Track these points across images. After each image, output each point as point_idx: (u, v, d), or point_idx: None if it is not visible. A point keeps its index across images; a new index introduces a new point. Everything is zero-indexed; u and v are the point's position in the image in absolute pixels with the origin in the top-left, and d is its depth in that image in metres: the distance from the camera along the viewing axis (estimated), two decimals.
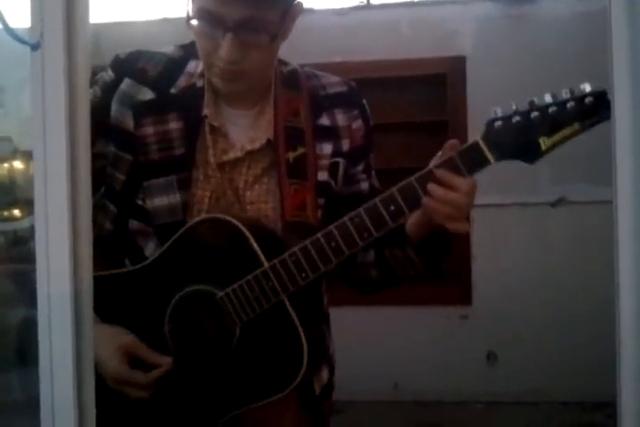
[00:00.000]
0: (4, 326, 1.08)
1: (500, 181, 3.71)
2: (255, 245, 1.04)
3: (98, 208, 1.14)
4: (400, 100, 3.74)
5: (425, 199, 0.99)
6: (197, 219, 1.08)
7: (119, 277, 1.14)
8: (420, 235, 1.07)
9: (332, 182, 1.16)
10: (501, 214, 3.82)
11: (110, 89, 1.14)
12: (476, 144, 0.97)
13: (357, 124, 1.18)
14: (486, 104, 1.05)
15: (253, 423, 1.11)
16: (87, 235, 0.89)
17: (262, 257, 1.04)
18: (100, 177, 1.14)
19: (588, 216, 3.67)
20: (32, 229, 0.87)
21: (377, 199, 1.01)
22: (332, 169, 1.16)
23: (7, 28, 0.80)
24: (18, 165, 1.31)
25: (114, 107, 1.13)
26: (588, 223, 3.67)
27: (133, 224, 1.14)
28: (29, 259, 0.86)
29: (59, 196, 0.87)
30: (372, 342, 3.75)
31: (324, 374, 1.20)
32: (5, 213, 1.22)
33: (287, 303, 1.03)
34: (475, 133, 0.99)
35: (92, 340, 0.88)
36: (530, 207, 3.79)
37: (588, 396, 3.49)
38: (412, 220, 1.06)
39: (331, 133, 1.16)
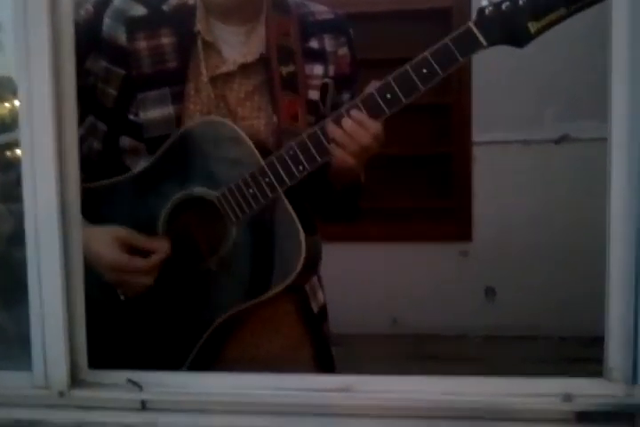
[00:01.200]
0: None
1: (503, 118, 3.70)
2: (252, 145, 1.07)
3: (87, 129, 1.17)
4: (402, 35, 3.66)
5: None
6: (193, 122, 1.11)
7: (112, 187, 1.16)
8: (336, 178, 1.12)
9: (321, 104, 1.19)
10: (504, 151, 3.80)
11: (103, 5, 1.15)
12: (469, 29, 0.98)
13: (344, 50, 1.21)
14: None
15: (257, 338, 1.18)
16: (72, 141, 0.90)
17: (259, 156, 1.06)
18: (90, 94, 1.15)
19: (591, 153, 3.64)
20: None
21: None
22: (322, 90, 1.19)
23: None
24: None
25: (106, 22, 1.14)
26: (591, 160, 3.65)
27: (124, 141, 1.15)
28: None
29: (43, 105, 0.87)
30: (372, 278, 3.80)
31: (320, 296, 1.25)
32: (8, 154, 1.23)
33: (285, 200, 1.05)
34: None
35: (80, 248, 0.89)
36: (533, 144, 3.76)
37: (587, 331, 3.54)
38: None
39: (320, 56, 1.19)
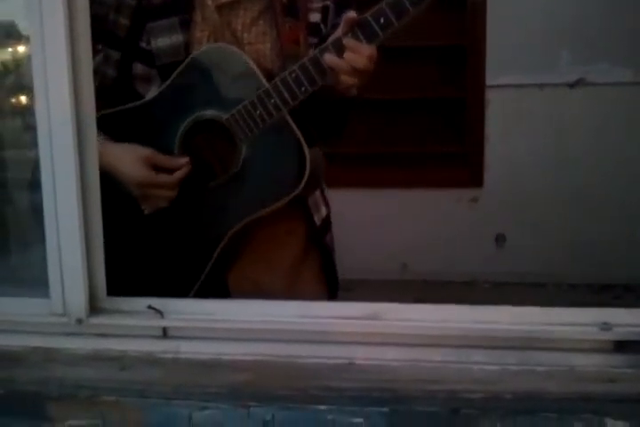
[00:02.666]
0: None
1: (518, 60, 3.59)
2: (257, 69, 1.12)
3: (101, 58, 1.20)
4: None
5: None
6: (202, 48, 1.14)
7: (128, 113, 1.20)
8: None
9: (322, 26, 1.22)
10: (518, 95, 3.71)
11: None
12: None
13: None
14: None
15: (266, 251, 1.24)
16: (86, 57, 0.85)
17: (264, 79, 1.11)
18: (102, 24, 1.17)
19: (606, 97, 3.57)
20: None
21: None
22: (323, 12, 1.21)
23: None
24: (22, 49, 1.36)
25: None
26: (606, 104, 3.57)
27: (137, 68, 1.19)
28: None
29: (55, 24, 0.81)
30: (382, 224, 3.76)
31: (323, 210, 1.32)
32: (12, 99, 1.28)
33: (289, 119, 1.11)
34: None
35: (97, 169, 0.86)
36: (548, 88, 3.66)
37: (596, 278, 3.53)
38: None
39: None
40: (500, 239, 3.91)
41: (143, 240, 1.22)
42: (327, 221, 1.32)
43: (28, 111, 1.12)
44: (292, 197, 1.12)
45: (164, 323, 0.93)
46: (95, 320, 0.94)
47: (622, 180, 3.53)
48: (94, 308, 0.95)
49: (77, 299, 0.93)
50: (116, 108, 1.19)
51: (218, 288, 1.19)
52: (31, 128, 0.93)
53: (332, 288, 1.32)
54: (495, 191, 3.78)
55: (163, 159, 1.16)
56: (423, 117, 3.80)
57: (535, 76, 3.64)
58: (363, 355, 0.89)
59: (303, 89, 1.08)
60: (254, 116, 1.11)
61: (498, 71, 3.66)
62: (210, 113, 1.15)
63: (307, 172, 1.10)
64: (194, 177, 1.17)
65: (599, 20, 3.46)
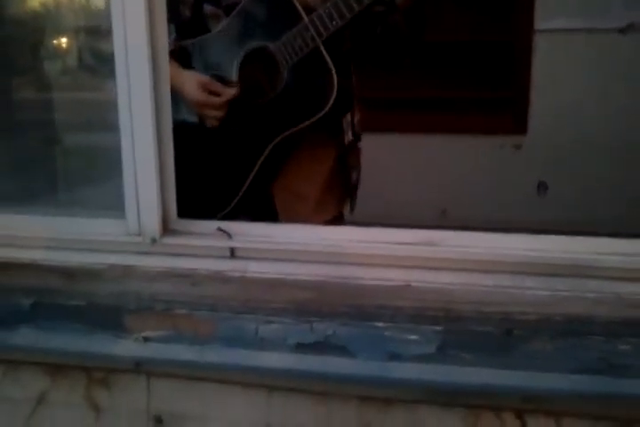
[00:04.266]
0: None
1: (568, 5, 3.49)
2: (299, 7, 1.30)
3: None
4: None
5: None
6: None
7: (197, 44, 1.41)
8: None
9: None
10: (567, 40, 3.61)
11: None
12: None
13: None
14: None
15: (305, 165, 1.43)
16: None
17: (304, 14, 1.30)
18: None
19: None
20: None
21: None
22: None
23: None
24: None
25: None
26: None
27: (207, 8, 1.39)
28: None
29: None
30: (422, 170, 3.76)
31: (349, 133, 1.47)
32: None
33: (323, 50, 1.30)
34: None
35: (168, 92, 0.91)
36: (597, 33, 3.56)
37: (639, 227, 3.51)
38: None
39: None
40: (541, 187, 3.88)
41: (203, 155, 1.42)
42: (352, 145, 1.49)
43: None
44: (321, 116, 1.31)
45: (232, 244, 0.99)
46: (168, 240, 1.00)
47: None
48: (167, 229, 1.01)
49: (151, 220, 1.00)
50: (189, 40, 1.41)
51: (263, 198, 1.41)
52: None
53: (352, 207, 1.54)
54: (539, 139, 3.74)
55: (215, 85, 1.37)
56: (469, 62, 3.74)
57: (585, 20, 3.54)
58: (419, 278, 0.93)
59: (334, 22, 1.26)
60: (295, 46, 1.30)
61: (547, 15, 3.57)
62: (260, 44, 1.35)
63: (333, 95, 1.30)
64: (245, 98, 1.37)
65: None
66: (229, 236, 0.99)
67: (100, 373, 1.03)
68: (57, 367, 1.04)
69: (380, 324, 0.90)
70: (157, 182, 0.98)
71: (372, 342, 0.91)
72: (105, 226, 1.03)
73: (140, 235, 1.01)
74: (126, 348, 0.99)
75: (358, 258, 0.97)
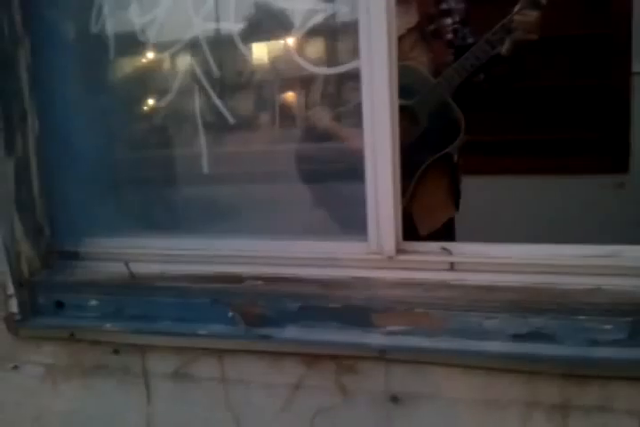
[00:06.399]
0: None
1: None
2: (427, 73, 1.82)
3: None
4: None
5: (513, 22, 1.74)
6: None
7: None
8: (508, 52, 1.79)
9: (454, 41, 1.91)
10: None
11: None
12: None
13: (461, 4, 1.94)
14: None
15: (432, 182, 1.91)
16: None
17: (431, 77, 1.81)
18: None
19: None
20: None
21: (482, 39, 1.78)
22: (454, 32, 1.90)
23: None
24: None
25: None
26: None
27: None
28: None
29: None
30: (525, 211, 4.04)
31: (456, 155, 1.95)
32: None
33: (451, 103, 1.81)
34: None
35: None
36: None
37: None
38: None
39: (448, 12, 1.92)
40: None
41: None
42: (457, 163, 2.00)
43: None
44: (450, 148, 1.84)
45: (452, 259, 1.34)
46: (402, 257, 1.36)
47: None
48: (399, 249, 1.37)
49: (389, 241, 1.36)
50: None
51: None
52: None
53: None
54: None
55: None
56: (569, 105, 4.06)
57: None
58: (607, 282, 1.26)
59: (455, 81, 1.79)
60: (428, 102, 1.80)
61: None
62: (405, 102, 1.72)
63: (461, 134, 1.80)
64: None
65: None
66: (450, 252, 1.35)
67: (349, 361, 1.38)
68: (314, 357, 1.39)
69: (582, 317, 1.23)
70: (394, 211, 1.35)
71: (574, 331, 1.24)
72: (349, 246, 1.40)
73: (379, 253, 1.37)
74: (374, 339, 1.34)
75: (552, 268, 1.30)
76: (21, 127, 1.56)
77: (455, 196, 2.06)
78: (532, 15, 1.72)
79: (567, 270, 1.29)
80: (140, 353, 1.54)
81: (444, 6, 1.93)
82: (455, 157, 1.99)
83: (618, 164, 4.07)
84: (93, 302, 1.53)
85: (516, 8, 1.76)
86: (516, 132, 4.09)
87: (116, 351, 1.55)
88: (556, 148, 4.08)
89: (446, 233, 2.01)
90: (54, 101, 1.58)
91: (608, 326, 1.22)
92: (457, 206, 2.08)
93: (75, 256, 1.61)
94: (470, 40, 1.92)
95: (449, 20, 1.92)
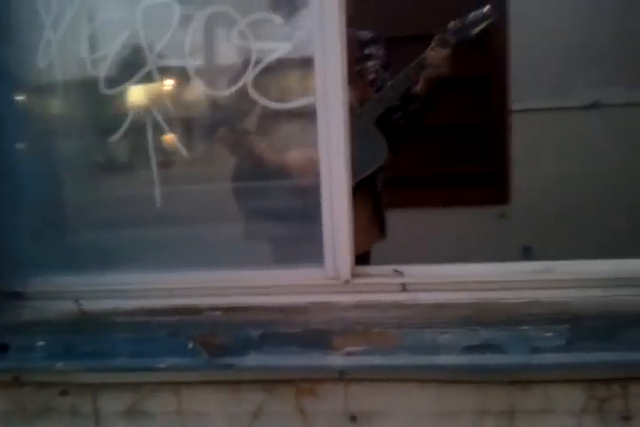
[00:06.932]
0: None
1: (538, 87, 4.19)
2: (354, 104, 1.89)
3: None
4: None
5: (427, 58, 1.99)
6: None
7: None
8: (422, 91, 2.04)
9: (376, 81, 2.11)
10: (539, 119, 4.28)
11: None
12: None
13: (381, 51, 2.16)
14: None
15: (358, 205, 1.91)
16: None
17: (357, 109, 1.95)
18: None
19: (620, 118, 4.16)
20: None
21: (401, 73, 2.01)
22: (376, 73, 2.11)
23: None
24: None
25: None
26: (621, 124, 4.16)
27: None
28: None
29: None
30: (425, 241, 4.27)
31: (379, 183, 2.14)
32: None
33: (375, 130, 1.99)
34: None
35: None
36: (566, 111, 4.25)
37: None
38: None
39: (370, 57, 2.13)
40: (527, 251, 4.44)
41: None
42: (380, 191, 2.17)
43: None
44: (374, 169, 2.00)
45: (403, 280, 1.45)
46: (357, 281, 1.46)
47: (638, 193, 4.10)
48: (353, 273, 1.47)
49: (345, 266, 1.46)
50: None
51: None
52: None
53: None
54: (522, 207, 4.33)
55: None
56: (454, 142, 4.38)
57: (554, 100, 4.23)
58: (545, 295, 1.41)
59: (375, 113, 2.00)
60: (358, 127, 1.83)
61: (520, 97, 4.25)
62: None
63: (384, 159, 2.00)
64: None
65: (610, 46, 4.06)
66: (402, 274, 1.46)
67: (308, 384, 1.45)
68: (274, 383, 1.45)
69: (525, 327, 1.37)
70: (349, 238, 1.45)
71: (519, 341, 1.37)
72: (304, 273, 1.48)
73: (336, 278, 1.46)
74: (333, 360, 1.41)
75: (495, 284, 1.44)
76: None
77: (380, 223, 2.22)
78: (443, 52, 1.99)
79: (508, 286, 1.43)
80: (91, 392, 1.54)
81: (366, 51, 2.16)
82: (378, 185, 2.16)
83: (500, 196, 4.40)
84: (41, 343, 1.51)
85: (430, 46, 2.01)
86: (410, 169, 4.34)
87: (64, 393, 1.54)
88: (449, 181, 4.36)
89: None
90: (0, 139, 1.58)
91: (549, 334, 1.37)
92: (384, 233, 2.24)
93: (18, 296, 1.59)
94: (390, 82, 2.11)
95: (371, 63, 2.13)
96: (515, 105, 4.28)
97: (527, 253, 4.44)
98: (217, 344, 1.45)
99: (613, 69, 4.10)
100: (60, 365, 1.49)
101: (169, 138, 1.56)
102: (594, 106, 4.22)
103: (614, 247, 3.82)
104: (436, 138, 4.35)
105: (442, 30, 2.01)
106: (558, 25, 4.23)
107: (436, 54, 1.99)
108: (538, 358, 1.36)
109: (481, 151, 4.43)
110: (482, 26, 2.00)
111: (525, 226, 4.29)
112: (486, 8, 1.99)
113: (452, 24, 2.00)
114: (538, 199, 4.27)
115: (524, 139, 4.33)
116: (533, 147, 4.29)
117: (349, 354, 1.42)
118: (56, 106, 1.58)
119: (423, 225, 4.28)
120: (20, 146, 1.57)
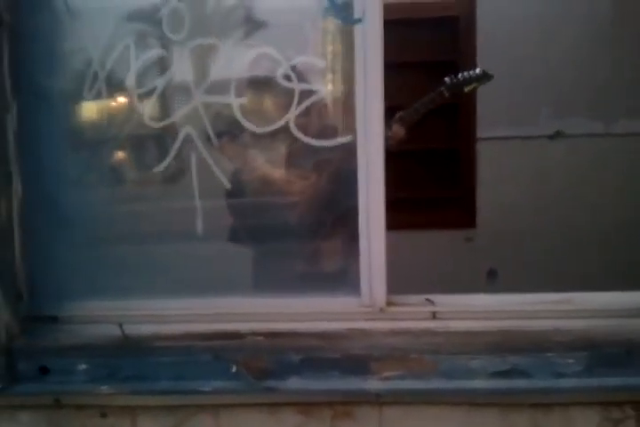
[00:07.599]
0: None
1: (504, 116, 4.41)
2: None
3: None
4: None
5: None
6: None
7: None
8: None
9: None
10: (505, 146, 4.50)
11: None
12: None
13: None
14: None
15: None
16: None
17: None
18: None
19: (581, 147, 4.41)
20: None
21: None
22: None
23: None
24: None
25: None
26: (583, 154, 4.41)
27: None
28: None
29: None
30: (394, 262, 4.40)
31: None
32: None
33: None
34: None
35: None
36: (530, 140, 4.47)
37: None
38: None
39: None
40: (492, 274, 4.63)
41: None
42: None
43: None
44: None
45: (434, 309, 1.58)
46: (391, 309, 1.58)
47: (598, 219, 4.35)
48: (388, 302, 1.59)
49: (380, 295, 1.57)
50: None
51: None
52: None
53: None
54: (488, 231, 4.52)
55: None
56: (424, 167, 4.55)
57: (519, 129, 4.46)
58: (564, 324, 1.56)
59: None
60: None
61: (487, 125, 4.47)
62: None
63: None
64: None
65: (573, 79, 4.31)
66: (433, 303, 1.58)
67: (345, 407, 1.55)
68: (311, 405, 1.55)
69: (549, 354, 1.51)
70: (384, 267, 1.57)
71: (543, 366, 1.51)
72: (341, 301, 1.59)
73: (371, 306, 1.58)
74: (371, 385, 1.52)
75: (519, 313, 1.58)
76: (6, 191, 1.60)
77: None
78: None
79: (531, 315, 1.58)
80: (131, 415, 1.60)
81: None
82: None
83: (467, 220, 4.59)
84: (83, 366, 1.57)
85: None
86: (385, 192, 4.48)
87: (103, 415, 1.60)
88: (418, 205, 4.52)
89: None
90: (39, 165, 1.64)
91: (571, 360, 1.51)
92: None
93: (56, 320, 1.65)
94: None
95: None
96: (481, 133, 4.49)
97: (492, 276, 4.63)
98: (259, 368, 1.54)
99: (576, 101, 4.34)
100: (104, 388, 1.55)
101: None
102: (557, 135, 4.46)
103: (575, 269, 4.06)
104: (407, 163, 4.50)
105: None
106: (525, 57, 4.47)
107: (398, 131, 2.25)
108: (561, 383, 1.50)
109: (449, 176, 4.62)
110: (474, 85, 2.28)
111: (491, 249, 4.48)
112: (478, 69, 2.26)
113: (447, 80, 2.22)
114: (502, 224, 4.46)
115: (490, 165, 4.53)
116: (499, 173, 4.49)
117: (386, 378, 1.53)
118: (101, 136, 1.66)
119: (391, 247, 4.41)
120: (60, 174, 1.64)
